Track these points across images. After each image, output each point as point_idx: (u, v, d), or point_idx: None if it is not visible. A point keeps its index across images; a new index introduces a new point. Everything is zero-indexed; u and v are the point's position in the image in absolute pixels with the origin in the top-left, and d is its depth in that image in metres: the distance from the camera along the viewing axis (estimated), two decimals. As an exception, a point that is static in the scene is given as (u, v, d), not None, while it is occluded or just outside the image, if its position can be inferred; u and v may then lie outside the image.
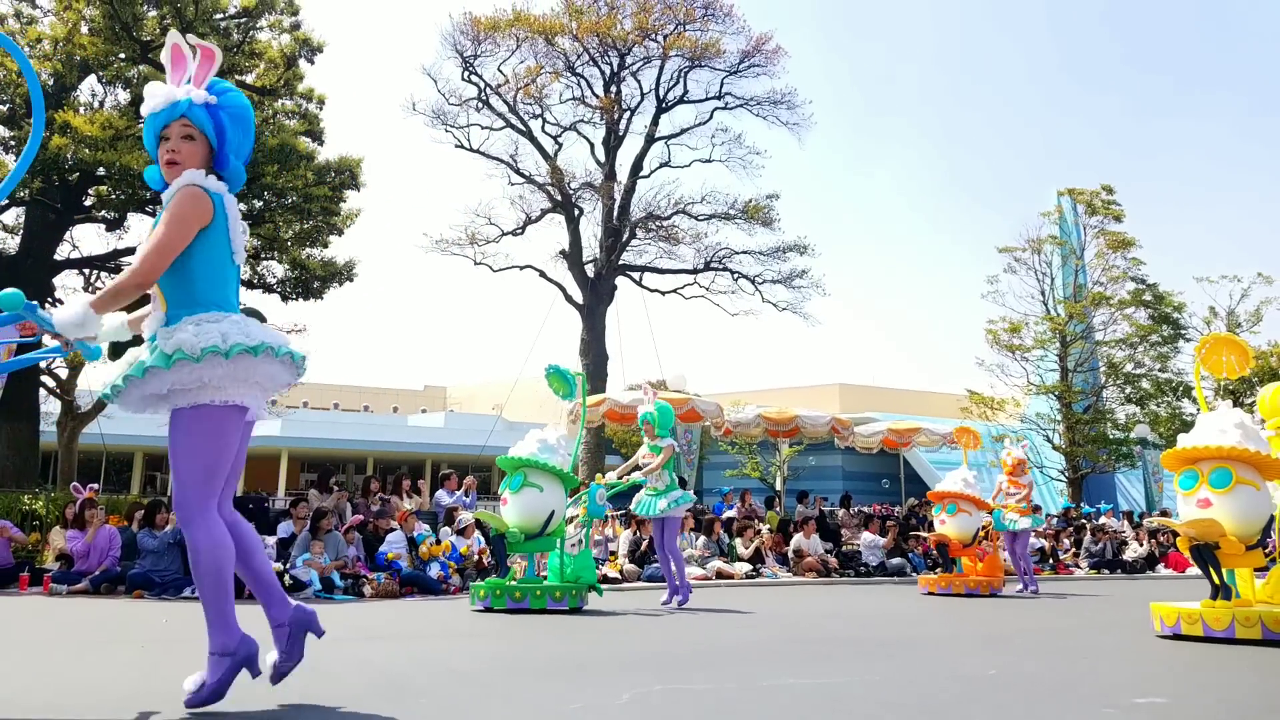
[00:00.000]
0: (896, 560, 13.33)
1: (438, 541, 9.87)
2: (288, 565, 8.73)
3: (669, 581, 8.05)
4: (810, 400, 26.90)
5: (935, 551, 10.93)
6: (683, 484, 8.90)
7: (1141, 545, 16.63)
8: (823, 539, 13.56)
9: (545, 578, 7.77)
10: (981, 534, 10.30)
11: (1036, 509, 10.59)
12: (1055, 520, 18.13)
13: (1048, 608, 8.68)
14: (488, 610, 7.14)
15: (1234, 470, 5.58)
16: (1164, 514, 15.83)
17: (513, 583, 7.33)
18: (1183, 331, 25.42)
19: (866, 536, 13.74)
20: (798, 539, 13.03)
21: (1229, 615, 5.45)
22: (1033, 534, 15.46)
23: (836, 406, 28.94)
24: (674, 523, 8.11)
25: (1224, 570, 5.69)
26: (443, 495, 11.66)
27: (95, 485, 10.07)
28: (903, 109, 78.59)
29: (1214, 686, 4.04)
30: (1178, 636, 5.62)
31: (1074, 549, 16.21)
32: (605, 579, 10.62)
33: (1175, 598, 6.39)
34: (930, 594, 10.01)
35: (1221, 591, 5.66)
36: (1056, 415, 24.42)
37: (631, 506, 8.90)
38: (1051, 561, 15.10)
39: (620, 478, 8.46)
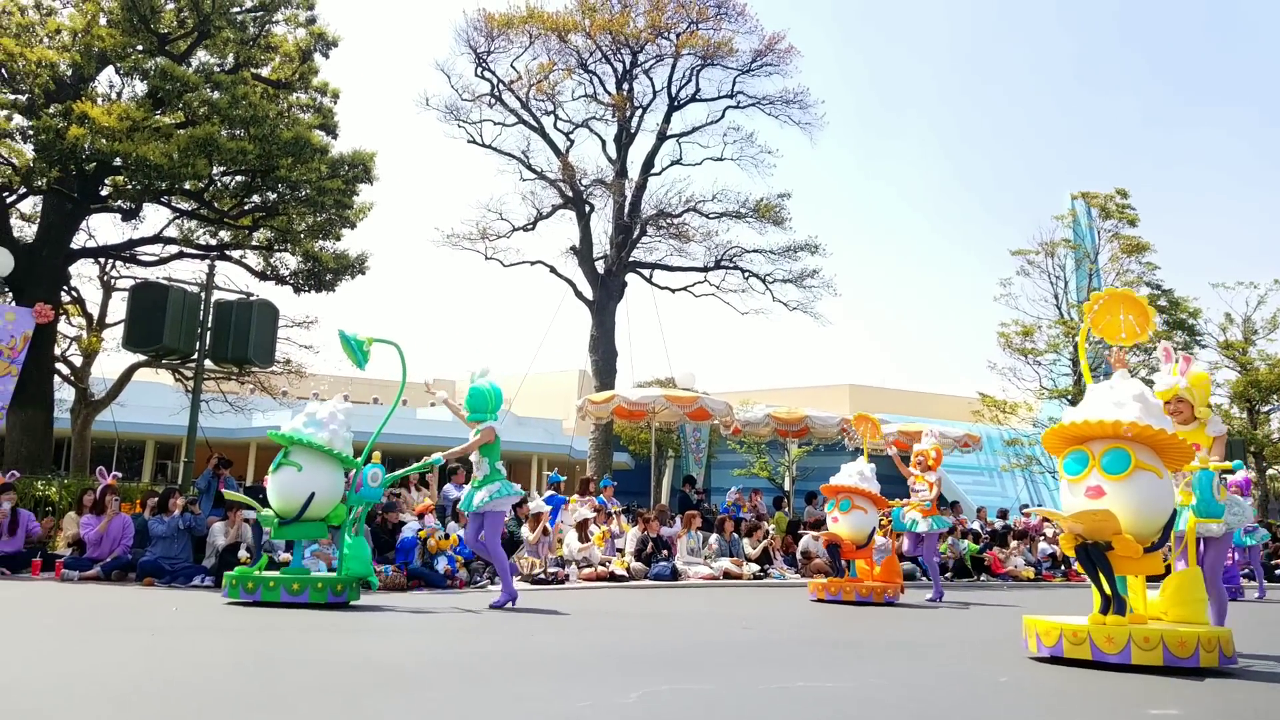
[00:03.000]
0: (907, 565, 13.25)
1: (445, 536, 9.89)
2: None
3: (503, 579, 7.16)
4: (820, 400, 26.83)
5: (827, 552, 10.04)
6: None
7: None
8: (831, 540, 13.50)
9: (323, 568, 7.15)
10: (880, 534, 9.48)
11: (954, 505, 9.75)
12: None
13: (961, 617, 7.85)
14: (243, 604, 6.46)
15: (1133, 453, 4.40)
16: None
17: (268, 573, 6.69)
18: (1198, 338, 25.17)
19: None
20: (806, 540, 12.99)
21: (1124, 635, 4.31)
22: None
23: (846, 407, 28.84)
24: (495, 517, 7.13)
25: (1116, 577, 4.56)
26: (450, 489, 11.69)
27: (118, 473, 10.11)
28: (915, 110, 78.27)
29: (1214, 702, 3.91)
30: (1057, 659, 4.48)
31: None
32: (612, 576, 10.63)
33: (1058, 609, 5.34)
34: (819, 600, 8.89)
35: (1114, 604, 4.49)
36: (1069, 420, 24.19)
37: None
38: (1064, 569, 14.78)
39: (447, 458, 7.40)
